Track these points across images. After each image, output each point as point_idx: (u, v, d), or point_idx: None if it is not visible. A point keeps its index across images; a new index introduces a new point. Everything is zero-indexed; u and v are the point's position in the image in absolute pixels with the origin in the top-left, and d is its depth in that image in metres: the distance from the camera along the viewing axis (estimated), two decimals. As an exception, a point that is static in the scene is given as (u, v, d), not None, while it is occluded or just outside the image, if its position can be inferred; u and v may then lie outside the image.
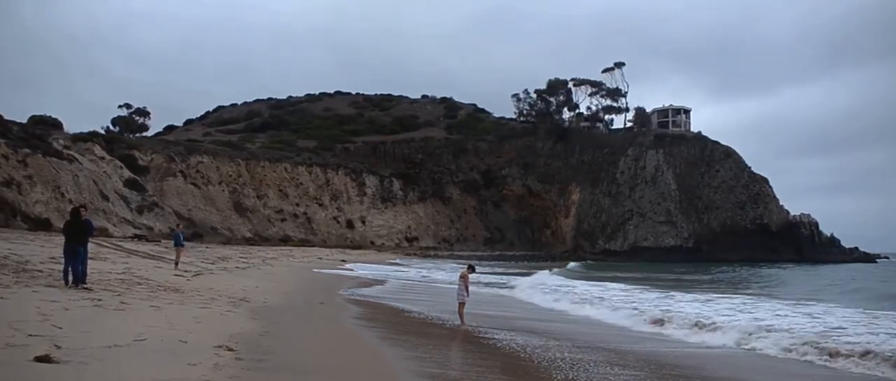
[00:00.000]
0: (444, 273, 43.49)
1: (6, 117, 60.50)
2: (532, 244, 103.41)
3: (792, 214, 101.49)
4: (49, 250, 23.53)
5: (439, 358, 11.10)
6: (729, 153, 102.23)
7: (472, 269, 16.18)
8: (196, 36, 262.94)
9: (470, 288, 16.08)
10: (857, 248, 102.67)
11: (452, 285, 33.44)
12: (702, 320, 17.73)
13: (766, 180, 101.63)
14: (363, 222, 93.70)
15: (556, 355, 11.93)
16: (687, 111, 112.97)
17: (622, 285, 32.38)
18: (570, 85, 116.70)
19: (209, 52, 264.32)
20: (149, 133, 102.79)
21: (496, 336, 14.15)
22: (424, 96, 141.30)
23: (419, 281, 36.10)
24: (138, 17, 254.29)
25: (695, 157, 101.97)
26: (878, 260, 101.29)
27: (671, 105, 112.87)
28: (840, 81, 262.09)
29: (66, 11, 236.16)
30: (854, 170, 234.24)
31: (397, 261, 64.62)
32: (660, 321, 18.38)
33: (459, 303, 15.47)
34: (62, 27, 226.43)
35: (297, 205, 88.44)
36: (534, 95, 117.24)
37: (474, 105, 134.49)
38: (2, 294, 11.72)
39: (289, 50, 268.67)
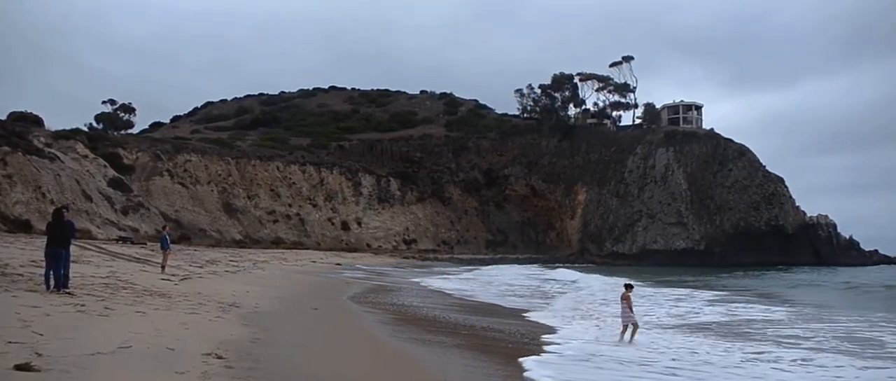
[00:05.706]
0: (445, 277, 43.65)
1: (-17, 114, 59.75)
2: (536, 247, 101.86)
3: (809, 215, 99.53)
4: (29, 253, 23.32)
5: (437, 361, 10.92)
6: (742, 152, 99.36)
7: (630, 287, 15.67)
8: (181, 27, 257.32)
9: None
10: (877, 250, 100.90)
11: (452, 289, 32.27)
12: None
13: (781, 180, 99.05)
14: (359, 224, 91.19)
15: None
16: (699, 107, 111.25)
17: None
18: (576, 80, 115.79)
19: (196, 44, 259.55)
20: (134, 130, 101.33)
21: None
22: (423, 92, 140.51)
23: (414, 283, 35.79)
24: (119, 8, 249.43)
25: (707, 155, 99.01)
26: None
27: (682, 101, 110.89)
28: (863, 73, 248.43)
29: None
30: (875, 168, 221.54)
31: (397, 264, 64.20)
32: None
33: (623, 325, 15.13)
34: (40, 16, 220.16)
35: (290, 206, 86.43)
36: (538, 91, 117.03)
37: (476, 101, 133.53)
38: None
39: (280, 42, 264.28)
